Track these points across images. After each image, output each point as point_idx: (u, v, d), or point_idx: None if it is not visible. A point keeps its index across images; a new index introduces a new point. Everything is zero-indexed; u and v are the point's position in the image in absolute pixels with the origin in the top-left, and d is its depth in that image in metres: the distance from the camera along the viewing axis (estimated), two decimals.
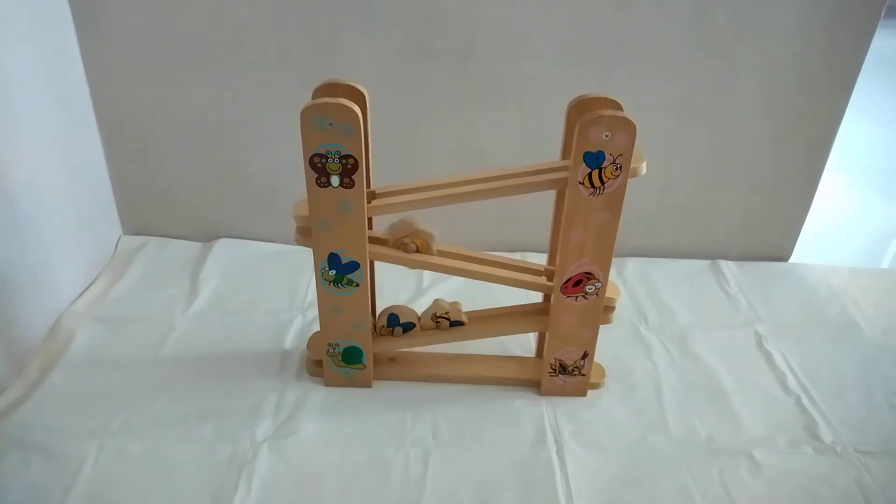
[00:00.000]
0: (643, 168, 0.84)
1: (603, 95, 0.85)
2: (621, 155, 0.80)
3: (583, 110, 0.83)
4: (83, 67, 1.14)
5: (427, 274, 1.26)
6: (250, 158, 1.24)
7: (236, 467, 0.86)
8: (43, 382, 0.97)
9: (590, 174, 0.81)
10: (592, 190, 0.82)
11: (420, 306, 0.99)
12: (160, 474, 0.85)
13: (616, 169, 0.81)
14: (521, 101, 1.19)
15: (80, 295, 1.15)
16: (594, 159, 0.80)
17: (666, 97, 1.19)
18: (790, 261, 1.38)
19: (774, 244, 1.37)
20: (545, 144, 1.22)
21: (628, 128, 0.78)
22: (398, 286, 1.22)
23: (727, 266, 1.34)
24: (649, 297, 1.24)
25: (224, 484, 0.84)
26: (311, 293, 1.19)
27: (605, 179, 0.81)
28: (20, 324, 1.00)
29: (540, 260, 0.99)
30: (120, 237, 1.29)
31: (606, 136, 0.78)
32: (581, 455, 0.90)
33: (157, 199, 1.28)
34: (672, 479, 0.88)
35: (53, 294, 1.09)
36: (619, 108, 0.84)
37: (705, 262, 1.35)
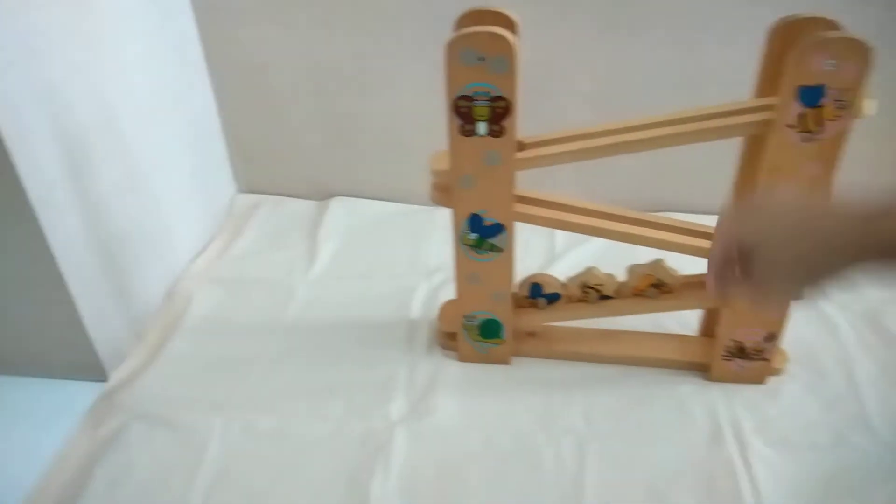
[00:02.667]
0: (872, 107, 0.66)
1: (818, 15, 0.67)
2: (848, 90, 0.63)
3: (793, 33, 0.66)
4: (192, 9, 1.05)
5: (560, 236, 1.12)
6: (367, 110, 1.13)
7: (371, 449, 0.78)
8: (163, 349, 0.92)
9: (803, 114, 0.64)
10: (805, 135, 0.66)
11: (554, 272, 0.87)
12: (291, 454, 0.78)
13: (839, 107, 0.64)
14: (678, 33, 1.01)
15: (197, 256, 1.09)
16: (812, 95, 0.63)
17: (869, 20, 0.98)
18: None
19: None
20: (704, 83, 1.04)
21: (861, 53, 0.61)
22: (528, 250, 1.09)
23: None
24: None
25: (360, 468, 0.76)
26: (434, 257, 1.09)
27: (823, 121, 0.65)
28: (138, 286, 0.96)
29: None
30: (234, 195, 1.23)
31: (831, 64, 0.62)
32: (769, 456, 0.76)
33: (271, 154, 1.20)
34: (888, 488, 0.73)
35: (170, 255, 1.04)
36: (838, 27, 0.66)
37: None
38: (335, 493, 0.73)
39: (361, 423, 0.81)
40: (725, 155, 0.80)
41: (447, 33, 0.68)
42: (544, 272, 0.88)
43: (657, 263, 0.82)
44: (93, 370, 0.88)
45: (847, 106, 0.64)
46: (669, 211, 1.17)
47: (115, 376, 0.88)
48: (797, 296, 0.45)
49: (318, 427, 0.80)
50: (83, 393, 0.86)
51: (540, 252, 1.09)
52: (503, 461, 0.76)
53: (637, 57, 1.04)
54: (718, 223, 0.52)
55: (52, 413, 0.84)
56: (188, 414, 0.82)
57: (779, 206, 0.45)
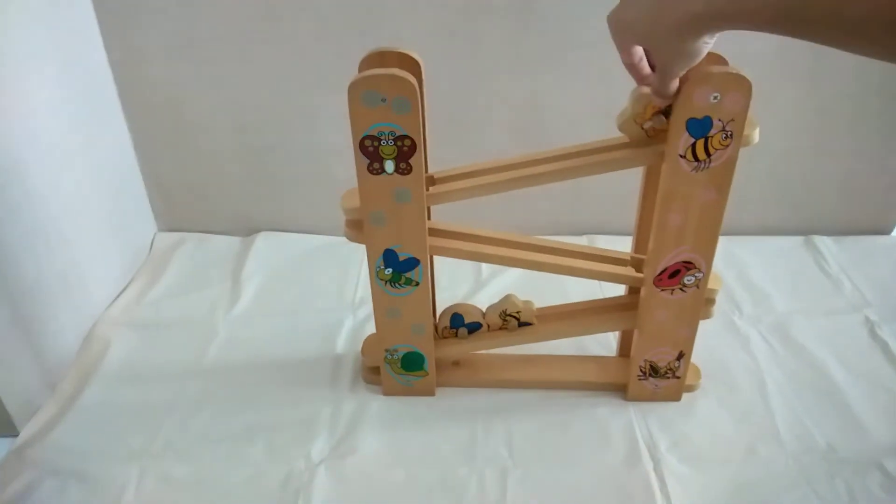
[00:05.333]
0: (756, 136, 0.70)
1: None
2: (733, 120, 0.66)
3: None
4: (104, 48, 1.04)
5: (485, 265, 1.14)
6: (289, 143, 1.13)
7: (291, 492, 0.76)
8: (78, 399, 0.89)
9: (693, 145, 0.68)
10: (696, 164, 0.69)
11: (480, 300, 0.88)
12: (208, 502, 0.76)
13: (726, 137, 0.67)
14: (590, 63, 1.05)
15: (115, 299, 1.06)
16: (700, 127, 0.66)
17: (755, 48, 1.03)
18: (895, 234, 1.22)
19: (876, 216, 1.21)
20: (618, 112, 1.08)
21: (743, 87, 0.64)
22: (455, 278, 1.10)
23: (823, 242, 1.19)
24: (740, 280, 1.10)
25: None
26: (361, 289, 1.09)
27: (711, 151, 0.68)
28: (51, 334, 0.92)
29: (610, 244, 0.86)
30: (155, 234, 1.21)
31: (715, 97, 0.65)
32: (682, 472, 0.78)
33: (192, 191, 1.18)
34: (791, 497, 0.76)
35: (86, 300, 1.01)
36: (724, 62, 0.70)
37: (798, 239, 1.20)
38: None
39: (282, 465, 0.80)
40: (639, 178, 0.84)
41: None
42: (467, 302, 0.89)
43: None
44: (2, 425, 0.84)
45: (734, 135, 0.68)
46: (593, 233, 1.20)
47: (27, 430, 0.85)
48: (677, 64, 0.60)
49: (236, 472, 0.79)
50: None
51: (466, 281, 1.11)
52: (426, 495, 0.76)
53: (552, 87, 1.08)
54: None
55: None
56: (102, 465, 0.80)
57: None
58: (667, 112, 0.69)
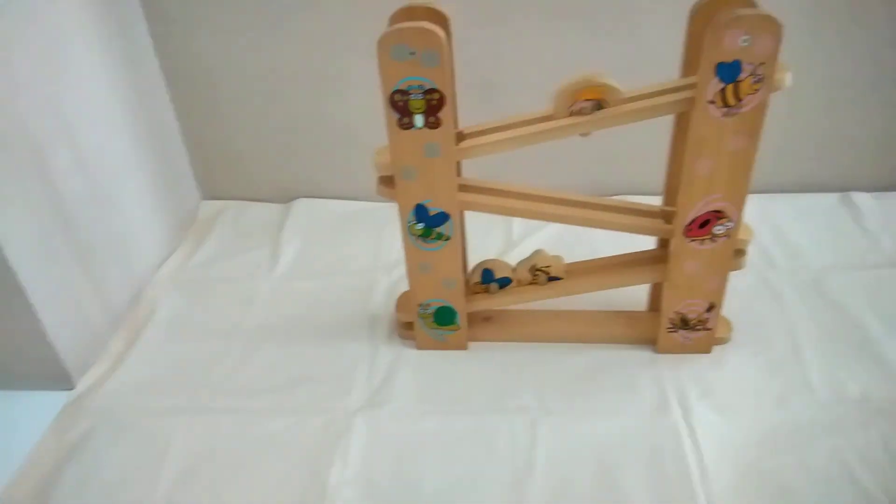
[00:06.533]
0: (788, 79, 0.69)
1: None
2: (763, 63, 0.66)
3: (710, 13, 0.69)
4: (145, 20, 1.07)
5: (517, 223, 1.15)
6: (324, 109, 1.15)
7: (331, 440, 0.80)
8: (129, 354, 0.94)
9: (723, 90, 0.67)
10: (726, 109, 0.69)
11: (512, 258, 0.90)
12: (252, 449, 0.80)
13: (756, 81, 0.67)
14: (620, 19, 1.04)
15: (162, 263, 1.11)
16: (729, 71, 0.66)
17: None
18: None
19: None
20: (650, 70, 1.07)
21: (772, 28, 0.64)
22: (486, 237, 1.12)
23: (861, 198, 1.16)
24: (774, 237, 1.09)
25: (319, 458, 0.78)
26: (396, 251, 1.11)
27: (741, 96, 0.68)
28: (103, 294, 0.97)
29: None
30: (199, 202, 1.25)
31: (745, 40, 0.65)
32: (712, 420, 0.79)
33: (233, 160, 1.22)
34: (823, 446, 0.76)
35: (136, 262, 1.06)
36: (753, 6, 0.69)
37: (835, 196, 1.18)
38: (295, 483, 0.75)
39: (322, 414, 0.83)
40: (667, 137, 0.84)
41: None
42: (497, 258, 0.90)
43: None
44: (59, 379, 0.90)
45: (764, 79, 0.67)
46: (622, 194, 1.20)
47: (82, 383, 0.90)
48: None
49: (279, 421, 0.82)
50: (51, 402, 0.87)
51: (497, 240, 1.12)
52: (458, 442, 0.79)
53: (581, 47, 1.07)
54: None
55: (20, 423, 0.85)
56: (152, 416, 0.84)
57: None
58: (601, 106, 0.71)
